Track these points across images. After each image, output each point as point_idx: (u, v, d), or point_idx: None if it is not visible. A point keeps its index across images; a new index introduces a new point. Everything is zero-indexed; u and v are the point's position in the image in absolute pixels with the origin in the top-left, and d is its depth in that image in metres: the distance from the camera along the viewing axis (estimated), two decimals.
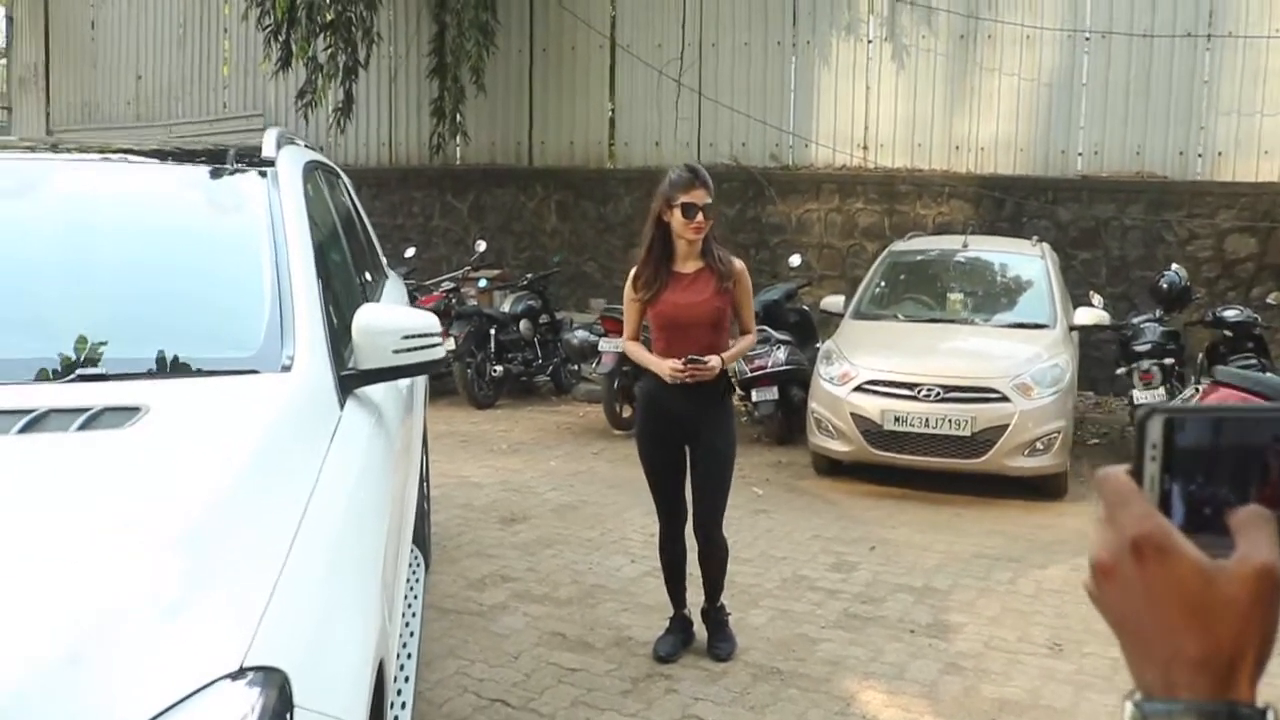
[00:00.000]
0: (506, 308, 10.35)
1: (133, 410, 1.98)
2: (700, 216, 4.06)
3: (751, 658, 4.37)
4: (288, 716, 1.47)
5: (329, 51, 12.01)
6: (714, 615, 4.46)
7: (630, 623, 4.69)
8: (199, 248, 2.77)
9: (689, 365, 4.03)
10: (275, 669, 1.49)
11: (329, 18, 11.91)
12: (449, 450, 7.84)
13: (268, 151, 3.10)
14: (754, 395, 8.36)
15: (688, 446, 4.28)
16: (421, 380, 4.62)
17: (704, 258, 4.17)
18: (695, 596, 4.50)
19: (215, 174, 3.01)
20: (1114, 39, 10.62)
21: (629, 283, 4.27)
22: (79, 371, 2.19)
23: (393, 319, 2.70)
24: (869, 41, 11.60)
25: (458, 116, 12.18)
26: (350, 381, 2.56)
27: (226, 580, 1.62)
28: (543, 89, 12.96)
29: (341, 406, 2.45)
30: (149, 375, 2.21)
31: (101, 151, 3.25)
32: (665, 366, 4.07)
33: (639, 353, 4.28)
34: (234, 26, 14.43)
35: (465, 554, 5.57)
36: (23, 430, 1.88)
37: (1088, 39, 10.79)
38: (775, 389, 8.27)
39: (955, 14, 11.08)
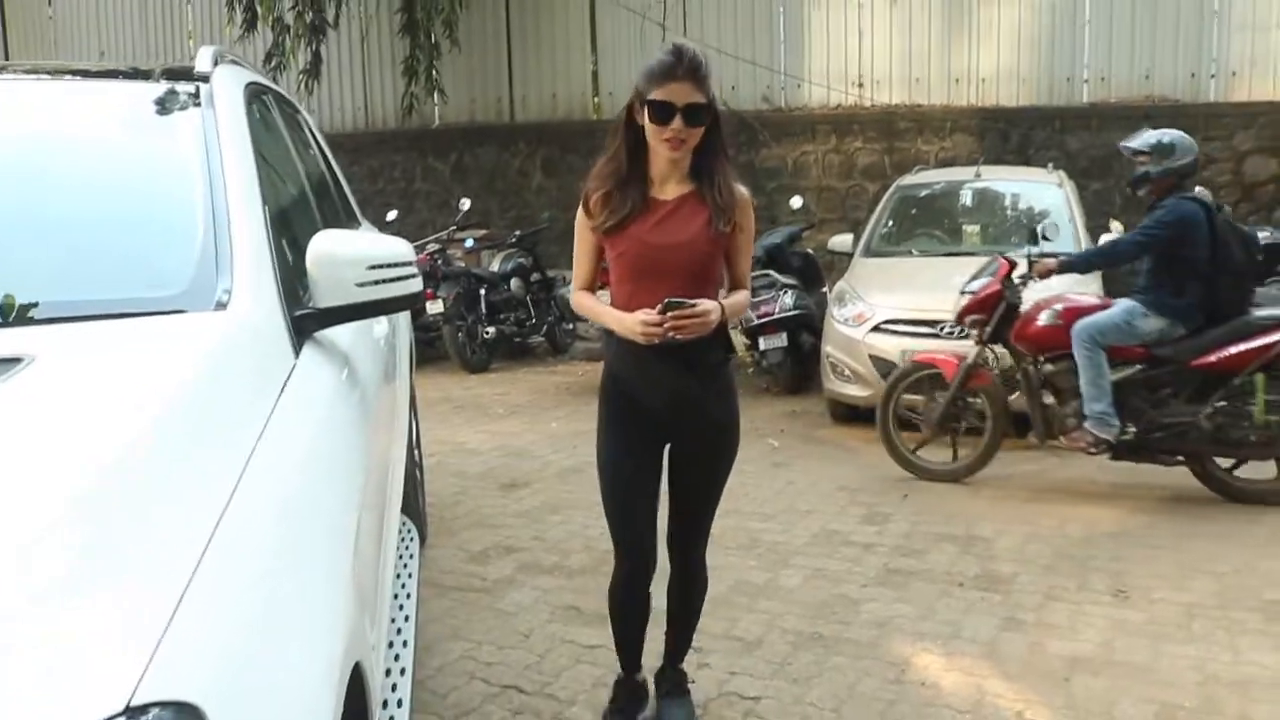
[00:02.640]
0: (495, 267, 9.89)
1: (11, 362, 1.52)
2: (678, 123, 2.69)
3: (788, 624, 3.93)
4: None
5: (295, 11, 11.47)
6: (673, 679, 3.27)
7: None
8: (115, 169, 2.29)
9: (670, 314, 2.70)
10: (185, 704, 1.04)
11: None
12: (443, 416, 7.38)
13: (201, 67, 2.63)
14: (761, 343, 7.92)
15: (669, 443, 3.00)
16: (405, 333, 4.15)
17: (695, 179, 2.85)
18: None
19: (138, 90, 2.53)
20: None
21: (581, 202, 2.93)
22: None
23: (355, 246, 2.22)
24: None
25: (433, 74, 11.66)
26: (306, 323, 2.10)
27: (115, 580, 1.15)
28: (520, 42, 12.42)
29: (296, 353, 1.99)
30: (41, 320, 1.75)
31: (9, 70, 2.75)
32: (634, 321, 2.74)
33: (591, 306, 2.98)
34: None
35: (464, 525, 5.12)
36: None
37: None
38: (784, 335, 7.85)
39: None
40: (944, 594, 4.19)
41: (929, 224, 8.09)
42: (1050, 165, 8.74)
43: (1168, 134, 5.47)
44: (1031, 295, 5.67)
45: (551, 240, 11.34)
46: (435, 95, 11.97)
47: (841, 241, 8.11)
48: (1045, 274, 5.49)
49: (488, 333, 9.28)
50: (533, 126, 12.22)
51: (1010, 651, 3.68)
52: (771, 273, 8.11)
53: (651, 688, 3.29)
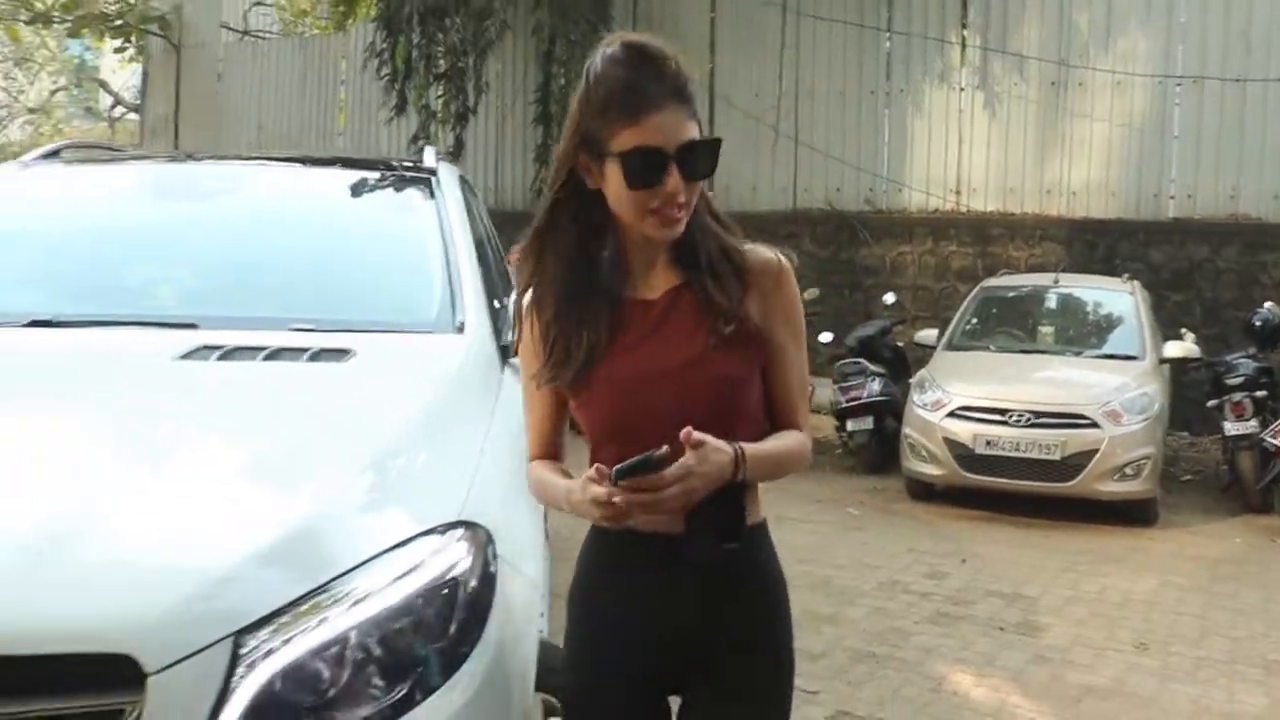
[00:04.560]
0: None
1: (345, 351, 2.42)
2: (675, 179, 1.66)
3: (849, 644, 4.65)
4: (491, 567, 1.86)
5: (442, 99, 12.73)
6: None
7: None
8: (384, 235, 3.27)
9: (625, 483, 1.56)
10: (482, 526, 1.89)
11: (443, 68, 12.66)
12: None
13: (429, 163, 3.60)
14: (849, 425, 8.67)
15: (683, 692, 1.85)
16: None
17: (679, 259, 1.79)
18: None
19: (391, 178, 3.54)
20: (1206, 84, 10.76)
21: (525, 329, 1.82)
22: (292, 326, 2.64)
23: None
24: (961, 90, 11.89)
25: None
26: (507, 351, 2.98)
27: (440, 462, 2.06)
28: None
29: (502, 368, 2.87)
30: (350, 330, 2.65)
31: (302, 161, 3.86)
32: (581, 494, 1.64)
33: (538, 478, 1.85)
34: (351, 78, 15.34)
35: None
36: (266, 359, 2.35)
37: (1179, 85, 10.95)
38: (870, 419, 8.55)
39: (1046, 62, 11.34)
40: (985, 634, 4.88)
41: (1008, 323, 8.80)
42: (1126, 275, 9.36)
43: None
44: None
45: None
46: None
47: (927, 335, 8.86)
48: None
49: None
50: None
51: (1033, 679, 4.36)
52: (863, 360, 8.89)
53: None
